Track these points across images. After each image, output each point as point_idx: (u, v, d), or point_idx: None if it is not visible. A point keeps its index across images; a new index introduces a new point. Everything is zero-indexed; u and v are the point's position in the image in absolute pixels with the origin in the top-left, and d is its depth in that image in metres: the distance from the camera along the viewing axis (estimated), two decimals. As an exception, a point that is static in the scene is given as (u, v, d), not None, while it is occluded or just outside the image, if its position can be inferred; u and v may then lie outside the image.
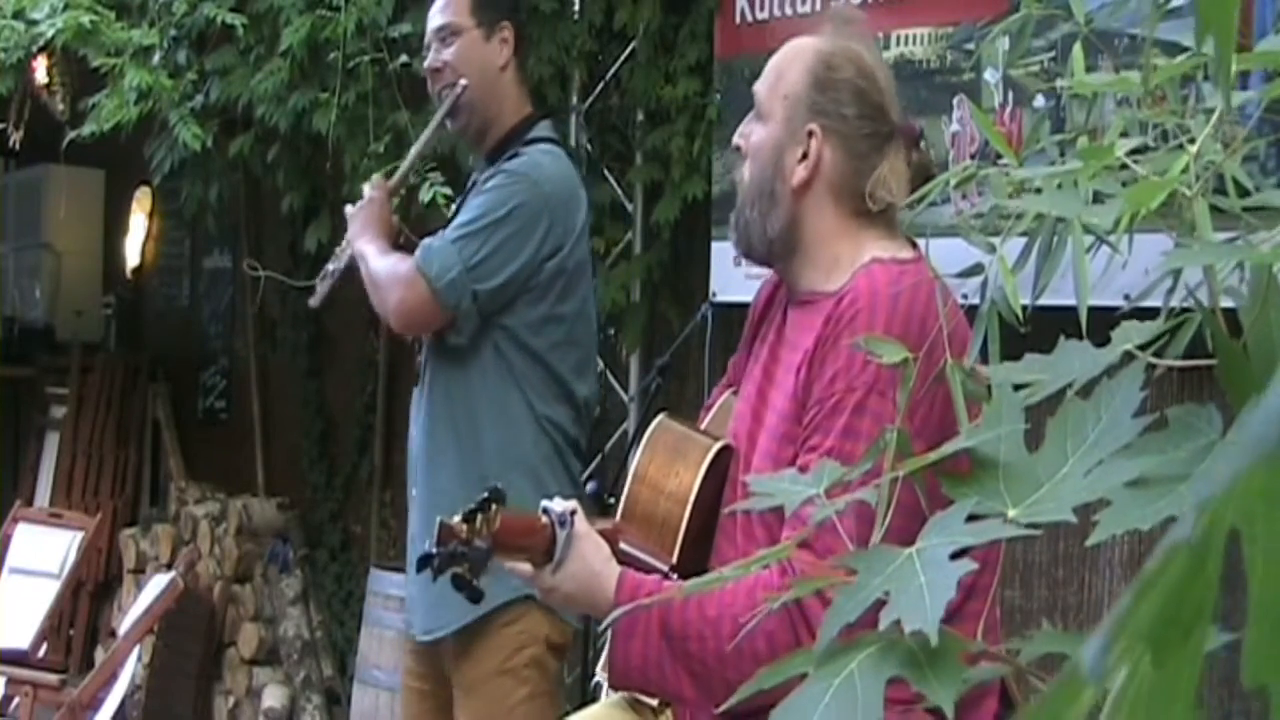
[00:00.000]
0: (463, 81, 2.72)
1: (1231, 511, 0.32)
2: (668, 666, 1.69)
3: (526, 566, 1.75)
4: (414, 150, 2.93)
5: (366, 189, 2.85)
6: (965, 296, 1.83)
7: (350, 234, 2.78)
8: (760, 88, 1.93)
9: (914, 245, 1.88)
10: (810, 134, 1.86)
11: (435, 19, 2.78)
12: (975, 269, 1.25)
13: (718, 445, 1.89)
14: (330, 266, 2.88)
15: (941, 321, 1.47)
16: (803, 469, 1.66)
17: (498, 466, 2.61)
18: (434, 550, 1.66)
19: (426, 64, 2.79)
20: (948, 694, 0.73)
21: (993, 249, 1.18)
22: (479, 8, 2.77)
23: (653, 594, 1.68)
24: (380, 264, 2.70)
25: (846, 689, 0.72)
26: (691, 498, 1.84)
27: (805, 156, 1.87)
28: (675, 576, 1.79)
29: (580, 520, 1.74)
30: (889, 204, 1.85)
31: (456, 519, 1.66)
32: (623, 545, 1.80)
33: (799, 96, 1.87)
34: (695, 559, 1.83)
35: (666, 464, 1.89)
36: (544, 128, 2.80)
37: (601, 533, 1.81)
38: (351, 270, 2.83)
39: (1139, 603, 0.33)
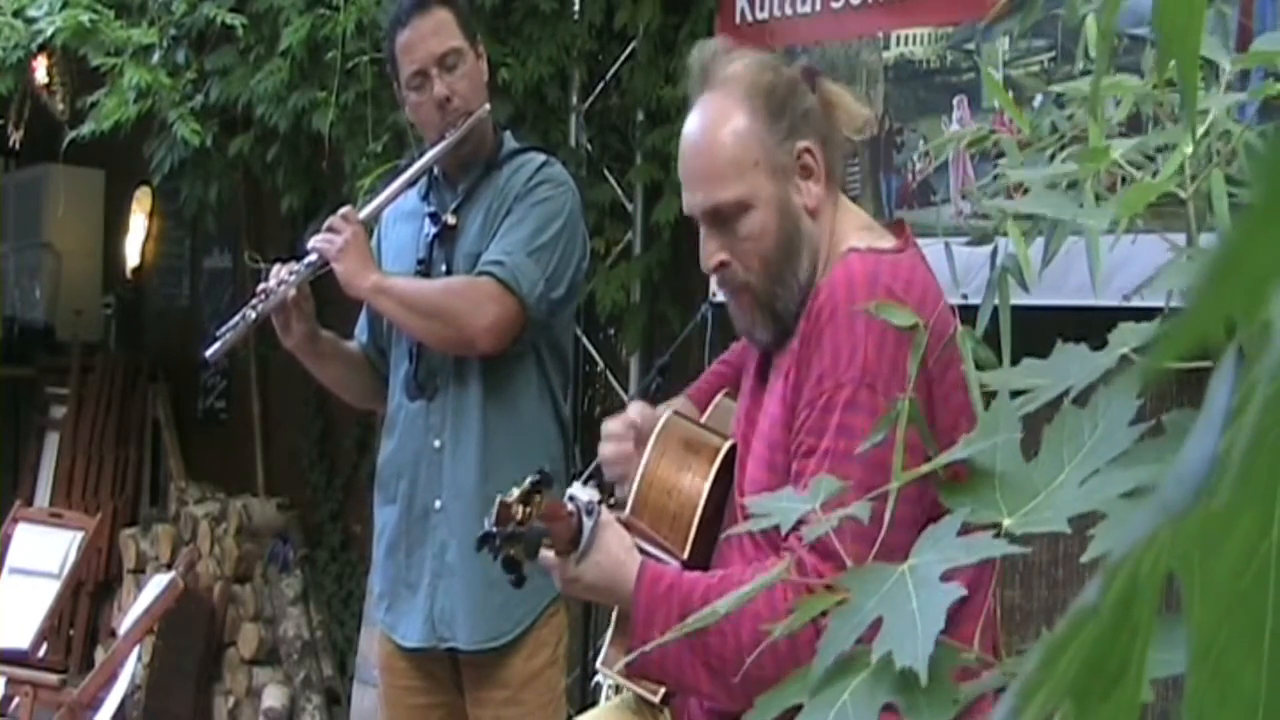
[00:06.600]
0: (486, 106, 2.66)
1: (1164, 557, 0.31)
2: (686, 659, 1.67)
3: (550, 554, 1.72)
4: (402, 179, 2.70)
5: (338, 223, 2.62)
6: (965, 296, 1.82)
7: (345, 274, 2.59)
8: (723, 194, 1.75)
9: (899, 233, 1.83)
10: (802, 153, 1.78)
11: (432, 44, 2.60)
12: (985, 237, 1.24)
13: (727, 445, 1.89)
14: (252, 313, 2.67)
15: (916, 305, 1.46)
16: (800, 474, 1.66)
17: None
18: (493, 530, 1.64)
19: (433, 93, 2.59)
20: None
21: (1003, 223, 1.17)
22: (465, 25, 2.67)
23: (673, 585, 1.68)
24: (433, 289, 2.60)
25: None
26: (703, 496, 1.84)
27: (810, 173, 1.79)
28: None
29: (605, 509, 1.73)
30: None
31: (513, 498, 1.65)
32: (635, 540, 1.78)
33: (767, 144, 1.76)
34: (705, 554, 1.84)
35: (677, 462, 1.88)
36: (509, 136, 2.79)
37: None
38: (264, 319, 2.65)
39: (1049, 665, 0.32)
